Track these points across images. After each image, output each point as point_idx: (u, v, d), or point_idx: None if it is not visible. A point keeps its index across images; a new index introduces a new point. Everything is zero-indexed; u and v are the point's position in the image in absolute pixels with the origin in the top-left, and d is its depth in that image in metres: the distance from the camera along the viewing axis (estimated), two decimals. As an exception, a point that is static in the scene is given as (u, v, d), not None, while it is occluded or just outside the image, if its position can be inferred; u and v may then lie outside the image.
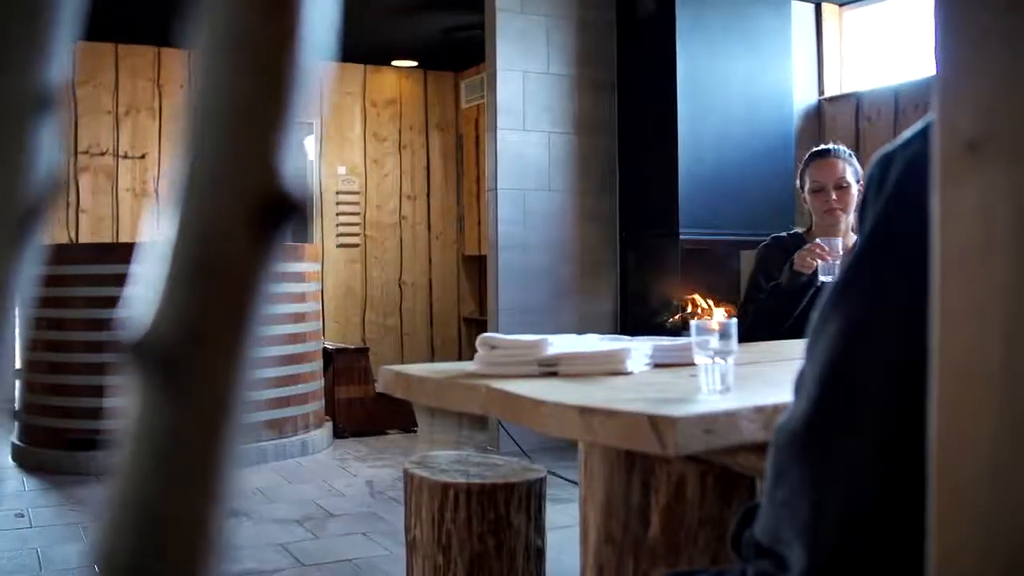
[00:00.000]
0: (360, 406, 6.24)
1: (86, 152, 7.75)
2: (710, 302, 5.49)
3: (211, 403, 0.34)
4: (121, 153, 7.86)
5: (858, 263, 0.95)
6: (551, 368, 1.92)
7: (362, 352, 6.61)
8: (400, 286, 9.00)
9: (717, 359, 1.61)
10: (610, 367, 1.90)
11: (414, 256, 9.06)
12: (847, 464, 1.00)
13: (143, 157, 7.96)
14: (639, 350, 1.99)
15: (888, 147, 0.97)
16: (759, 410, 1.39)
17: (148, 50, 7.94)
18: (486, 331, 5.86)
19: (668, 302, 5.56)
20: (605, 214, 5.97)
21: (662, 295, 5.65)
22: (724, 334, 1.62)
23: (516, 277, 5.74)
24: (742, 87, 5.68)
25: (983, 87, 0.64)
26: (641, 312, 5.83)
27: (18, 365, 5.59)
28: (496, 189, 5.70)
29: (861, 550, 0.99)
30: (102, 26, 7.40)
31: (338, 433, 6.16)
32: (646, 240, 5.86)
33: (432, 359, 8.58)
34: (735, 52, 5.68)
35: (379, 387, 2.24)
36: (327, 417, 6.17)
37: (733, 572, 1.21)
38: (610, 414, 1.42)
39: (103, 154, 7.81)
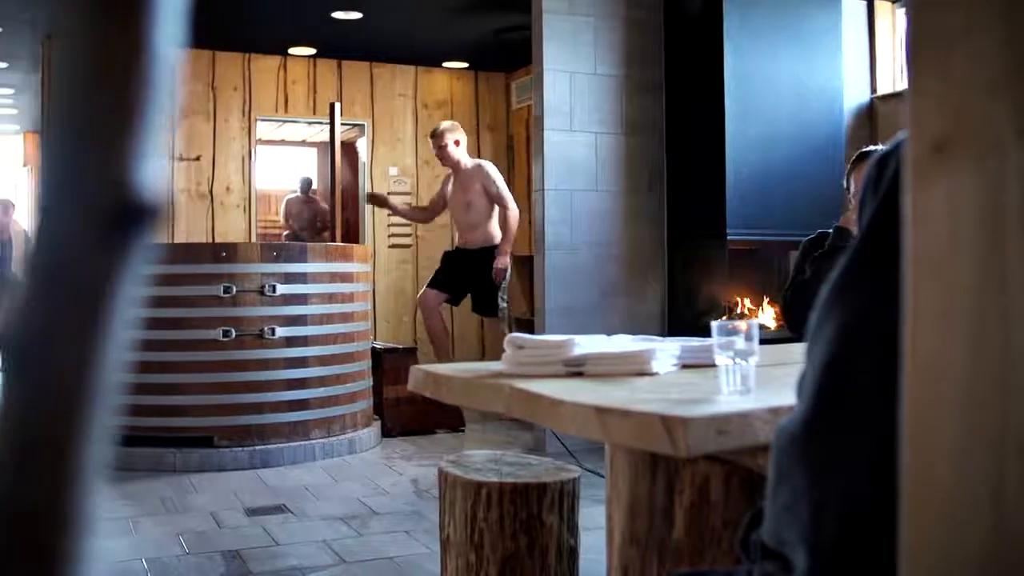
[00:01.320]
0: (408, 405, 6.28)
1: (143, 154, 7.89)
2: (756, 302, 5.46)
3: (60, 395, 0.35)
4: (177, 155, 8.01)
5: (854, 263, 0.95)
6: (577, 368, 1.93)
7: (410, 352, 6.65)
8: (451, 287, 9.04)
9: (738, 360, 1.61)
10: (636, 367, 1.90)
11: (465, 257, 9.08)
12: (846, 466, 0.99)
13: (198, 159, 8.09)
14: (666, 351, 1.99)
15: (885, 147, 0.97)
16: (774, 411, 1.38)
17: (203, 54, 8.08)
18: (536, 331, 5.87)
19: (716, 303, 5.53)
20: (652, 214, 5.95)
21: (709, 296, 5.62)
22: (746, 335, 1.61)
23: (563, 278, 5.74)
24: (791, 86, 5.63)
25: (950, 87, 0.64)
26: (688, 313, 5.80)
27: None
28: (543, 190, 5.71)
29: (862, 552, 0.98)
30: (159, 30, 7.52)
31: (386, 432, 6.21)
32: (694, 241, 5.83)
33: (483, 360, 8.61)
34: (784, 50, 5.63)
35: (409, 386, 2.26)
36: (376, 416, 6.23)
37: (740, 574, 1.21)
38: (624, 414, 1.42)
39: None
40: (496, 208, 6.50)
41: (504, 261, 6.50)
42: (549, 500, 2.46)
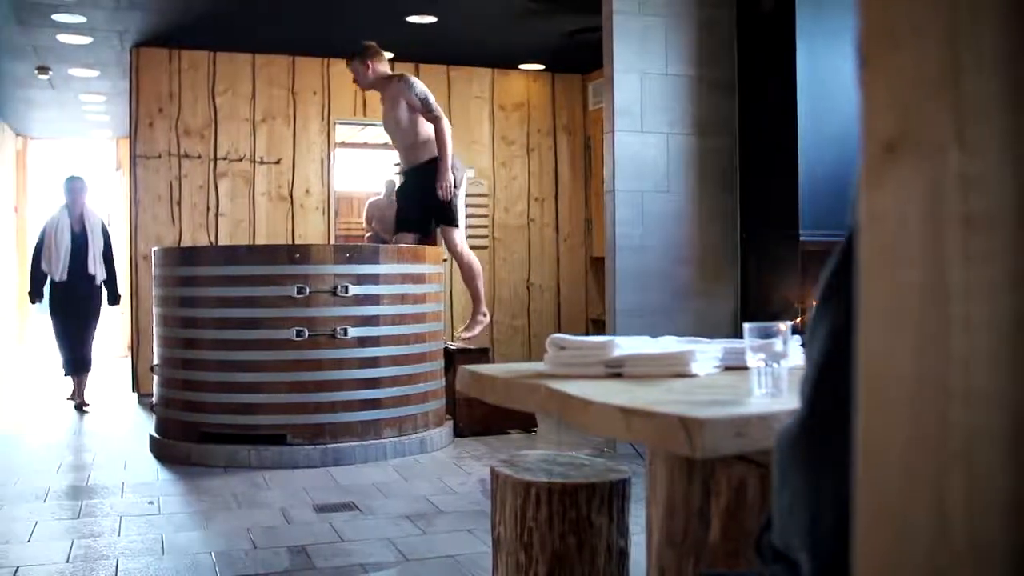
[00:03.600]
0: (481, 406, 6.30)
1: (225, 158, 8.09)
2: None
3: None
4: (258, 159, 8.18)
5: (843, 263, 0.94)
6: (617, 370, 1.93)
7: (483, 352, 6.69)
8: (528, 288, 9.08)
9: (771, 362, 1.59)
10: (675, 369, 1.90)
11: (542, 258, 9.11)
12: (842, 468, 0.98)
13: (278, 162, 8.26)
14: (707, 353, 1.98)
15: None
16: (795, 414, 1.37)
17: (284, 59, 8.24)
18: (606, 333, 5.86)
19: (788, 304, 5.45)
20: (725, 215, 5.89)
21: (783, 297, 5.55)
22: (782, 338, 1.60)
23: (634, 279, 5.72)
24: (867, 84, 5.52)
25: (898, 87, 0.64)
26: (762, 314, 5.72)
27: (156, 360, 5.88)
28: (613, 191, 5.70)
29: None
30: (240, 37, 7.71)
31: (459, 432, 6.26)
32: (767, 241, 5.76)
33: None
34: (859, 48, 5.52)
35: (458, 386, 2.29)
36: (448, 416, 6.28)
37: (751, 576, 1.21)
38: (647, 415, 1.42)
39: (240, 160, 8.14)
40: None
41: (445, 179, 6.21)
42: (598, 501, 2.46)
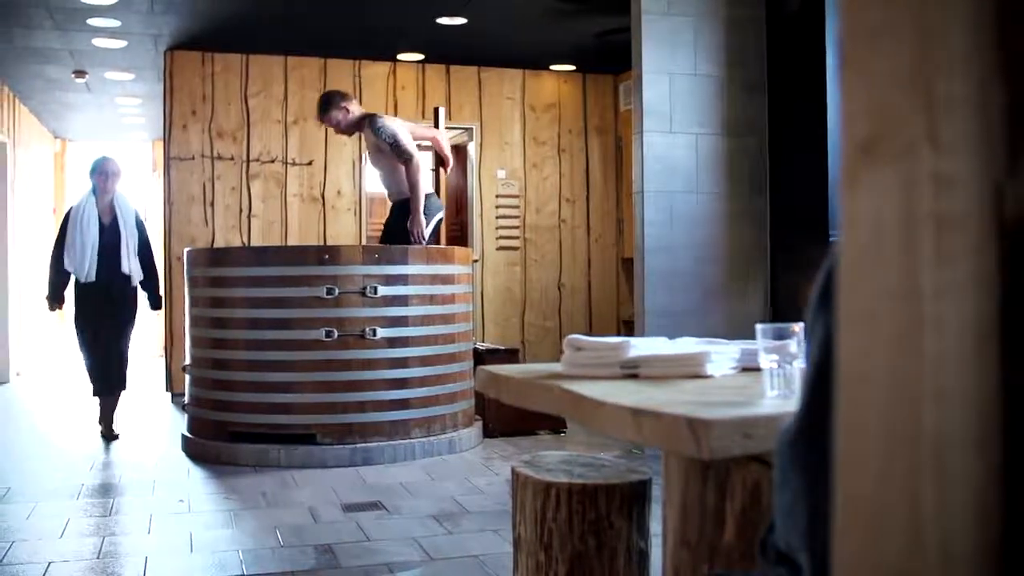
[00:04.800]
0: (510, 406, 6.32)
1: (257, 159, 8.16)
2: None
3: None
4: (289, 160, 8.24)
5: (836, 265, 0.94)
6: (633, 370, 1.93)
7: (512, 353, 6.70)
8: (559, 288, 9.07)
9: (783, 363, 1.59)
10: (690, 370, 1.89)
11: (573, 259, 9.11)
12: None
13: (310, 164, 8.31)
14: (724, 354, 1.98)
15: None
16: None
17: (315, 61, 8.30)
18: (635, 333, 5.85)
19: (819, 306, 5.41)
20: (754, 216, 5.86)
21: (813, 299, 5.51)
22: (792, 339, 1.60)
23: (663, 280, 5.70)
24: (898, 83, 5.47)
25: (874, 87, 0.64)
26: (791, 315, 5.67)
27: (187, 360, 5.94)
28: (642, 192, 5.69)
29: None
30: (272, 40, 7.77)
31: (488, 433, 6.27)
32: (796, 242, 5.72)
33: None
34: (891, 47, 5.47)
35: (476, 386, 2.30)
36: (478, 417, 6.29)
37: (754, 577, 1.21)
38: (655, 416, 1.42)
39: (273, 161, 8.20)
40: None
41: (416, 222, 6.03)
42: (618, 502, 2.46)
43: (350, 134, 6.41)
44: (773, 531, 1.19)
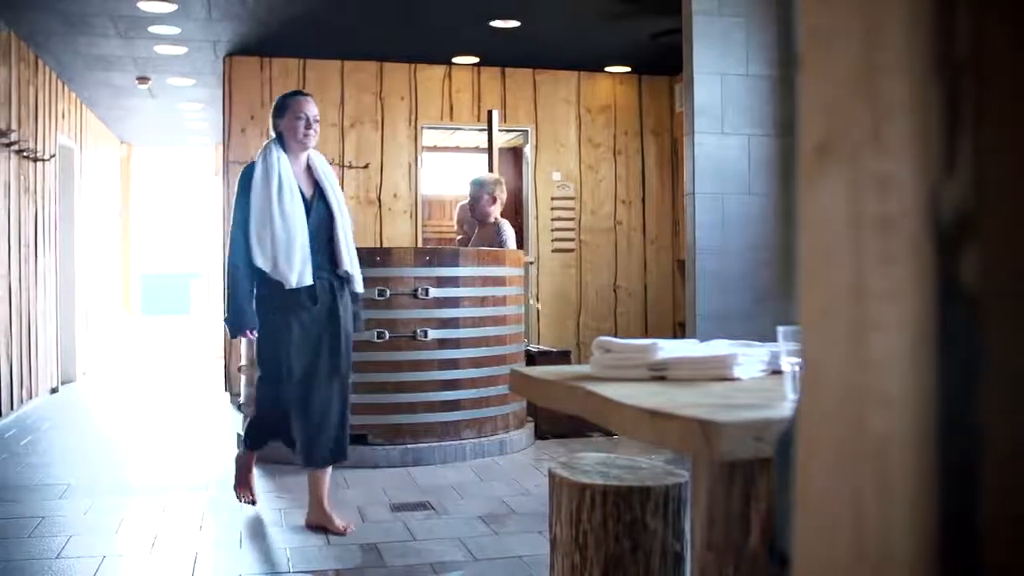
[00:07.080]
0: (562, 408, 6.32)
1: (314, 163, 8.25)
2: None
3: None
4: (346, 163, 8.34)
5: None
6: (660, 373, 1.93)
7: (564, 355, 6.70)
8: (615, 291, 9.05)
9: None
10: (717, 372, 1.89)
11: (629, 261, 9.08)
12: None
13: (366, 167, 8.40)
14: (753, 356, 1.97)
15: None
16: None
17: (371, 65, 8.38)
18: (687, 337, 5.82)
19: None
20: (808, 217, 5.78)
21: (868, 301, 5.43)
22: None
23: (715, 283, 5.66)
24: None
25: (828, 88, 0.64)
26: (846, 319, 5.62)
27: (243, 361, 6.03)
28: (694, 193, 5.65)
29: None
30: (329, 44, 7.87)
31: (540, 435, 6.28)
32: (851, 244, 5.64)
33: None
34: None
35: (509, 388, 2.31)
36: (530, 418, 6.30)
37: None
38: (670, 418, 1.43)
39: (330, 164, 8.28)
40: None
41: None
42: (653, 504, 2.45)
43: (473, 214, 6.43)
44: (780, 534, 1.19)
